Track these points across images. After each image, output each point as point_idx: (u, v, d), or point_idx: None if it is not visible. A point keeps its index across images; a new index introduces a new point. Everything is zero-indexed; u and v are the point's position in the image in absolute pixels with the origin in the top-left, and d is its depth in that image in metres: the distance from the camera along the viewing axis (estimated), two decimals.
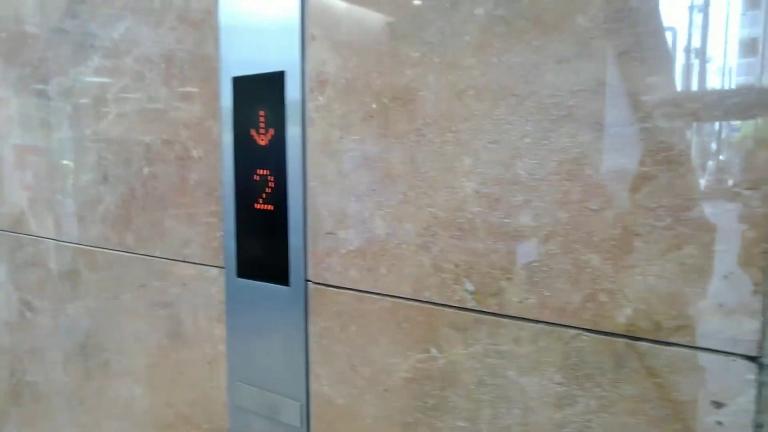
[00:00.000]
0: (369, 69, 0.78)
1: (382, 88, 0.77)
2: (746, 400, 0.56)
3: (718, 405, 0.58)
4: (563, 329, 0.66)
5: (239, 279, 0.96)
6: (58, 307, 1.30)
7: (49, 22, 1.22)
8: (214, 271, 1.00)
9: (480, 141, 0.70)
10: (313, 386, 0.89)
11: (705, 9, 0.57)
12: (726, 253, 0.56)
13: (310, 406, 0.90)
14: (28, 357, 1.41)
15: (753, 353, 0.56)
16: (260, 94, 0.89)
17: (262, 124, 0.90)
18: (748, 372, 0.56)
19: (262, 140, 0.90)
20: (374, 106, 0.78)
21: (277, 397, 0.93)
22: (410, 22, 0.74)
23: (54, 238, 1.29)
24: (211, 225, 1.00)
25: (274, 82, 0.87)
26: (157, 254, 1.09)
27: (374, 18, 0.77)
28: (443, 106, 0.72)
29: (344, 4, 0.80)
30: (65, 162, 1.24)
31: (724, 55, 0.55)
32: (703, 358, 0.58)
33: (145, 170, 1.09)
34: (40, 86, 1.26)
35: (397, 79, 0.75)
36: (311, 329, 0.88)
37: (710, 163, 0.56)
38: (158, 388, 1.12)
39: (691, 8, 0.57)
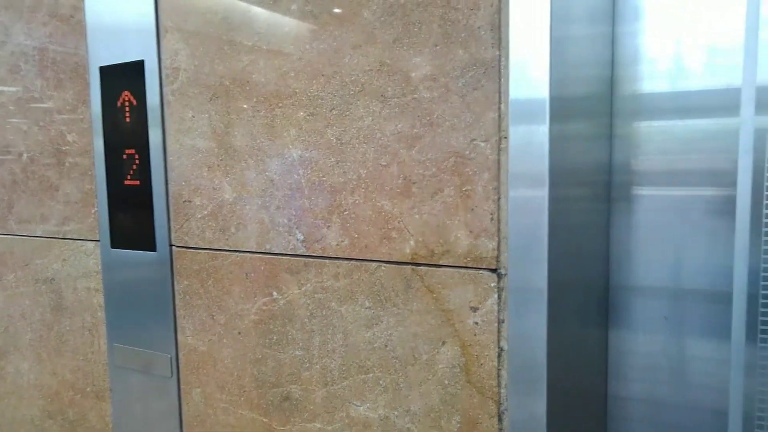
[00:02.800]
0: (213, 56, 0.91)
1: (224, 72, 0.90)
2: (491, 302, 0.74)
3: (474, 309, 0.75)
4: (369, 263, 0.82)
5: (113, 250, 1.06)
6: None
7: None
8: (91, 245, 1.09)
9: (300, 114, 0.85)
10: (180, 338, 1.00)
11: (453, 5, 0.74)
12: (471, 192, 0.74)
13: (179, 356, 1.01)
14: None
15: (493, 266, 0.74)
16: (124, 81, 1.00)
17: (127, 108, 1.01)
18: (491, 281, 0.74)
19: (128, 122, 1.01)
20: (218, 88, 0.91)
21: (151, 353, 1.04)
22: (243, 15, 0.88)
23: None
24: (86, 202, 1.09)
25: (135, 69, 0.98)
26: (39, 234, 1.16)
27: (215, 11, 0.90)
28: (271, 86, 0.86)
29: (191, 3, 0.92)
30: None
31: (467, 43, 0.73)
32: (462, 273, 0.76)
33: (25, 156, 1.16)
34: None
35: (235, 64, 0.89)
36: (176, 287, 1.00)
37: (457, 122, 0.74)
38: (43, 360, 1.19)
39: (444, 5, 0.74)
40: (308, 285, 0.87)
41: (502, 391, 0.74)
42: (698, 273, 0.82)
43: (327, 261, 0.85)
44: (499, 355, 0.74)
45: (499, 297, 0.74)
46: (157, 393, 1.04)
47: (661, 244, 0.84)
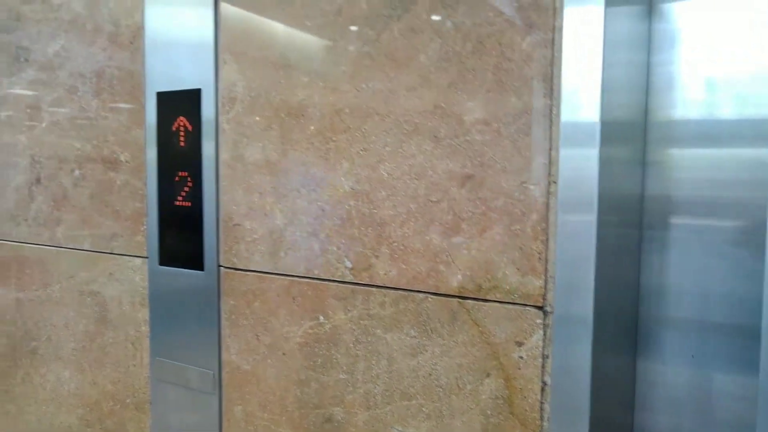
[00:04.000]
0: (269, 89, 0.96)
1: (279, 105, 0.95)
2: (537, 338, 0.77)
3: (519, 344, 0.79)
4: (415, 294, 0.86)
5: (161, 267, 1.10)
6: None
7: None
8: (138, 261, 1.14)
9: (354, 149, 0.89)
10: (224, 356, 1.04)
11: (508, 56, 0.78)
12: (520, 231, 0.78)
13: (222, 373, 1.05)
14: None
15: (539, 304, 0.77)
16: (181, 107, 1.05)
17: (182, 133, 1.05)
18: (537, 317, 0.77)
19: (182, 146, 1.05)
20: (274, 119, 0.96)
21: (193, 369, 1.08)
22: (301, 53, 0.92)
23: None
24: (136, 220, 1.13)
25: (192, 97, 1.03)
26: (86, 247, 1.21)
27: (273, 48, 0.95)
28: (326, 120, 0.91)
29: (249, 36, 0.97)
30: None
31: (520, 92, 0.77)
32: (509, 309, 0.79)
33: (76, 172, 1.21)
34: None
35: (291, 98, 0.94)
36: (222, 307, 1.04)
37: (508, 165, 0.78)
38: (84, 370, 1.23)
39: (499, 55, 0.79)
40: (355, 311, 0.91)
41: (545, 424, 0.77)
42: (728, 306, 0.84)
43: (374, 289, 0.89)
44: (543, 389, 0.77)
45: (545, 333, 0.77)
46: (197, 408, 1.08)
47: (691, 275, 0.85)
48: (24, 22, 1.25)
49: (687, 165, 0.85)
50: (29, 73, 1.26)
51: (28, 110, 1.26)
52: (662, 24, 0.85)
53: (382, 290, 0.88)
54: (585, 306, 0.74)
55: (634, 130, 0.86)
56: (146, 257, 1.12)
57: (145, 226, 1.12)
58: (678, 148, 0.85)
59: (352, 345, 0.91)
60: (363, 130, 0.88)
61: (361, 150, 0.88)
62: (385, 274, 0.88)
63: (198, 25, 1.02)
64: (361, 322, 0.90)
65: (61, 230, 1.24)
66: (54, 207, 1.25)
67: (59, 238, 1.25)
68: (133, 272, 1.15)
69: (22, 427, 1.35)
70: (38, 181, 1.26)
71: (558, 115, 0.74)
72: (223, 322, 1.04)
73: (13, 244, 1.32)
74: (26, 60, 1.26)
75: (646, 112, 0.86)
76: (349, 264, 0.91)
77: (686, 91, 0.84)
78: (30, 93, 1.26)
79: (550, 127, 0.75)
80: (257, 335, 1.00)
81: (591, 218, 0.72)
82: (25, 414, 1.34)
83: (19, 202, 1.30)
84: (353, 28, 0.87)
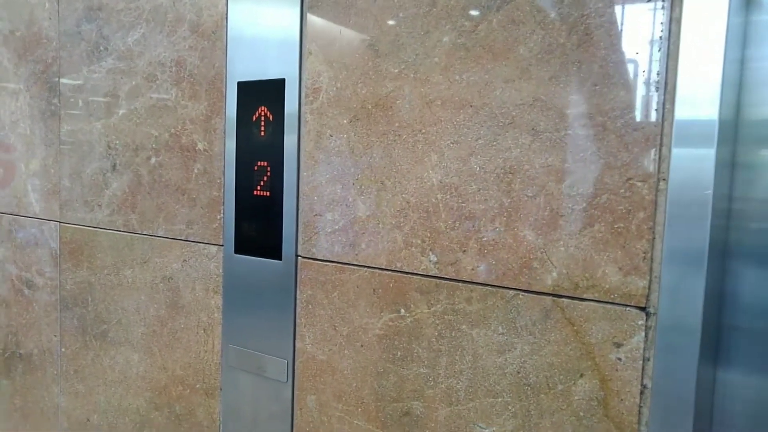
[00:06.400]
0: (356, 80, 0.95)
1: (366, 96, 0.94)
2: (637, 340, 0.75)
3: (618, 345, 0.77)
4: (505, 290, 0.84)
5: (236, 255, 1.11)
6: (58, 284, 1.42)
7: (65, 26, 1.35)
8: (213, 249, 1.15)
9: (444, 141, 0.88)
10: (298, 345, 1.04)
11: (617, 47, 0.76)
12: (624, 229, 0.75)
13: (296, 362, 1.05)
14: (23, 331, 1.51)
15: (642, 305, 0.75)
16: (262, 97, 1.05)
17: (263, 123, 1.06)
18: (638, 319, 0.75)
19: (263, 136, 1.06)
20: (360, 111, 0.95)
21: (267, 357, 1.08)
22: (391, 44, 0.91)
23: (57, 219, 1.40)
24: (213, 208, 1.15)
25: (275, 87, 1.03)
26: (160, 234, 1.23)
27: (362, 39, 0.94)
28: (416, 112, 0.90)
29: (337, 27, 0.97)
30: (74, 151, 1.36)
31: (630, 85, 0.75)
32: (607, 309, 0.77)
33: (153, 160, 1.23)
34: (52, 82, 1.39)
35: (379, 90, 0.93)
36: (299, 296, 1.04)
37: (613, 161, 0.75)
38: (154, 354, 1.25)
39: (608, 47, 0.76)
40: (438, 306, 0.90)
41: (643, 428, 0.75)
42: None
43: (460, 284, 0.88)
44: (642, 393, 0.75)
45: (646, 335, 0.75)
46: (269, 396, 1.08)
47: None
48: (105, 11, 1.28)
49: None
50: (108, 61, 1.28)
51: (106, 98, 1.29)
52: (761, 16, 0.81)
53: (469, 285, 0.87)
54: (694, 309, 0.71)
55: (728, 129, 0.82)
56: (222, 245, 1.13)
57: (221, 215, 1.13)
58: None
59: (434, 339, 0.90)
60: (455, 122, 0.87)
61: (452, 142, 0.87)
62: (473, 269, 0.87)
63: (283, 16, 1.02)
64: (445, 316, 0.89)
65: (136, 216, 1.26)
66: (129, 193, 1.27)
67: (133, 224, 1.27)
68: (207, 259, 1.16)
69: (90, 407, 1.38)
70: (114, 167, 1.29)
71: (672, 110, 0.71)
72: (299, 312, 1.04)
73: (86, 228, 1.35)
74: (105, 49, 1.28)
75: (738, 110, 0.83)
76: (434, 258, 0.90)
77: None
78: (108, 80, 1.28)
79: (662, 122, 0.72)
80: (334, 326, 1.00)
81: (705, 218, 0.70)
82: (93, 394, 1.37)
83: (94, 188, 1.33)
84: (448, 19, 0.86)
